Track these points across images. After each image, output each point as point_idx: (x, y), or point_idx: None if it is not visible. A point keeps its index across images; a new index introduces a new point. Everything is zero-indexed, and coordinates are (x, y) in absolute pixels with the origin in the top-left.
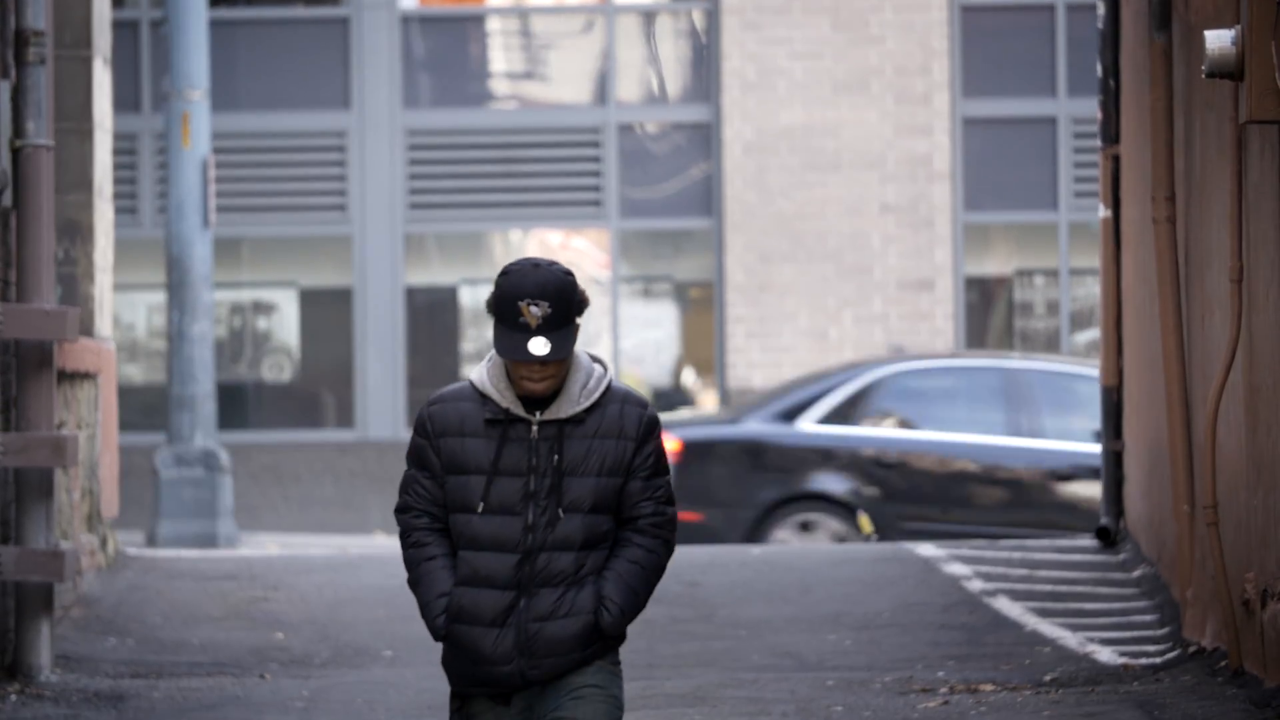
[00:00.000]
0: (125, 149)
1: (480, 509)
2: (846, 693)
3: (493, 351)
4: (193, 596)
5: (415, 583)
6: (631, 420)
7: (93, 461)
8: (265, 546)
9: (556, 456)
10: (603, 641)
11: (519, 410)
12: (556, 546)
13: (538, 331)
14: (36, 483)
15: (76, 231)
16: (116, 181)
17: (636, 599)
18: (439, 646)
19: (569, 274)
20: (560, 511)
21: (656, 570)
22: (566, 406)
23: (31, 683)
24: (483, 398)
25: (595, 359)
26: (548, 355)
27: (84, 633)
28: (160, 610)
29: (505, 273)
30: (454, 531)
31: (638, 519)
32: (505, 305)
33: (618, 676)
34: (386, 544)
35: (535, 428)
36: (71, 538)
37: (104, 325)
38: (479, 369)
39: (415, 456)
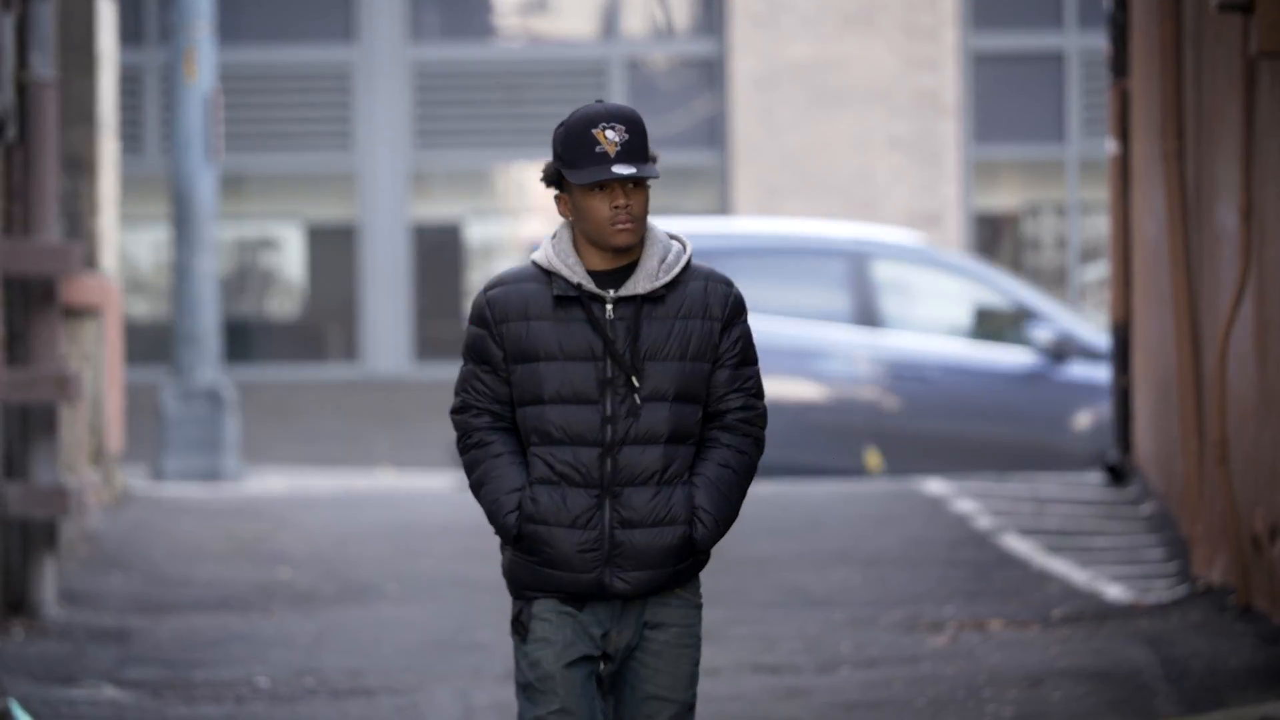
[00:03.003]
0: (130, 83)
1: (554, 397)
2: (854, 629)
3: (556, 228)
4: (198, 533)
5: (479, 484)
6: (717, 299)
7: (97, 397)
8: (269, 481)
9: (635, 338)
10: (694, 557)
11: (591, 286)
12: (640, 440)
13: (618, 159)
14: (41, 418)
15: (81, 166)
16: (121, 115)
17: (730, 508)
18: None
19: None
20: (636, 399)
21: (749, 472)
22: (644, 281)
23: (36, 619)
24: (548, 276)
25: (673, 236)
26: (636, 173)
27: (89, 569)
28: (165, 546)
29: (567, 119)
30: (524, 428)
31: (725, 413)
32: (576, 137)
33: (700, 612)
34: (391, 480)
35: (610, 306)
36: (76, 473)
37: (108, 260)
38: (541, 248)
39: (473, 349)
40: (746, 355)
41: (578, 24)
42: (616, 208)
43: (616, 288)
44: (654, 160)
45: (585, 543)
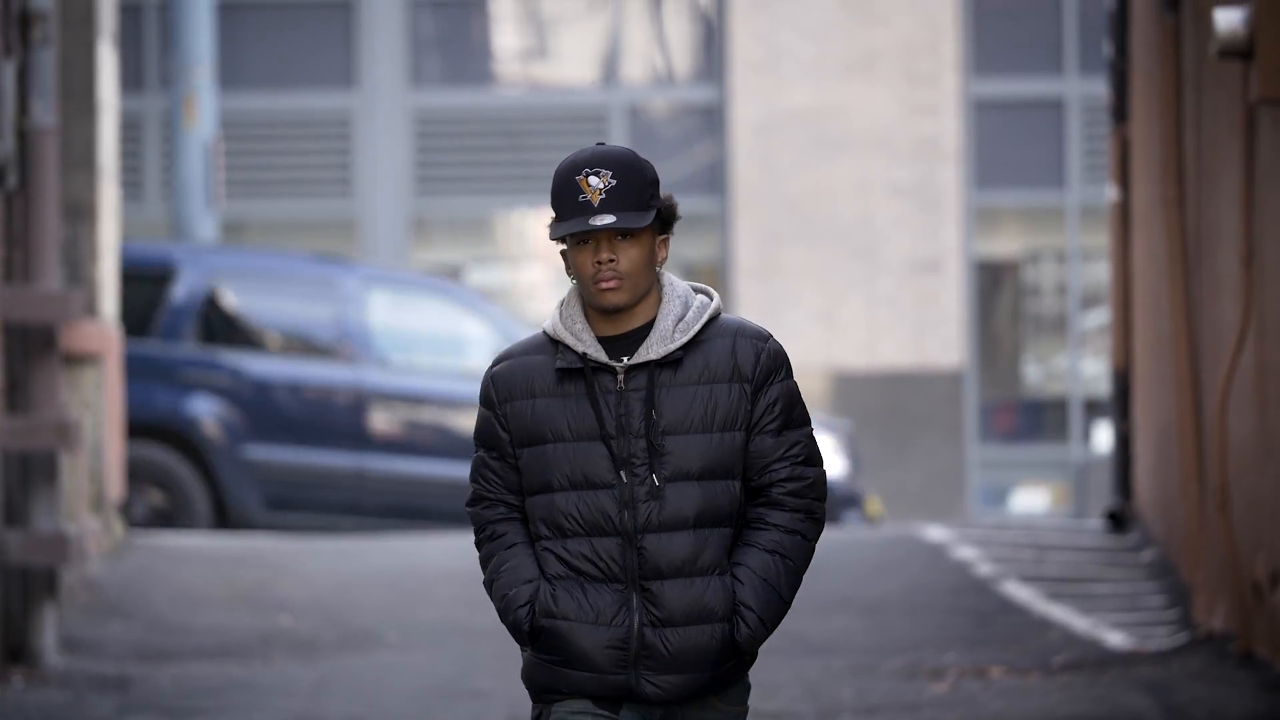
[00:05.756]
0: (131, 129)
1: (564, 484)
2: (855, 676)
3: (567, 292)
4: (198, 580)
5: (492, 579)
6: (747, 357)
7: (98, 444)
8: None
9: (650, 409)
10: (738, 659)
11: (600, 355)
12: (666, 526)
13: (601, 208)
14: (41, 466)
15: (81, 213)
16: (122, 162)
17: (780, 603)
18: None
19: (638, 156)
20: (656, 479)
21: (803, 556)
22: (657, 345)
23: (36, 667)
24: (555, 345)
25: (699, 289)
26: (613, 224)
27: (89, 617)
28: (166, 594)
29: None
30: (532, 519)
31: (770, 487)
32: (560, 185)
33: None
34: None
35: (621, 376)
36: (77, 521)
37: (109, 307)
38: (550, 315)
39: (481, 434)
40: (790, 418)
41: (578, 71)
42: (599, 263)
43: (630, 355)
44: (663, 207)
45: (611, 640)
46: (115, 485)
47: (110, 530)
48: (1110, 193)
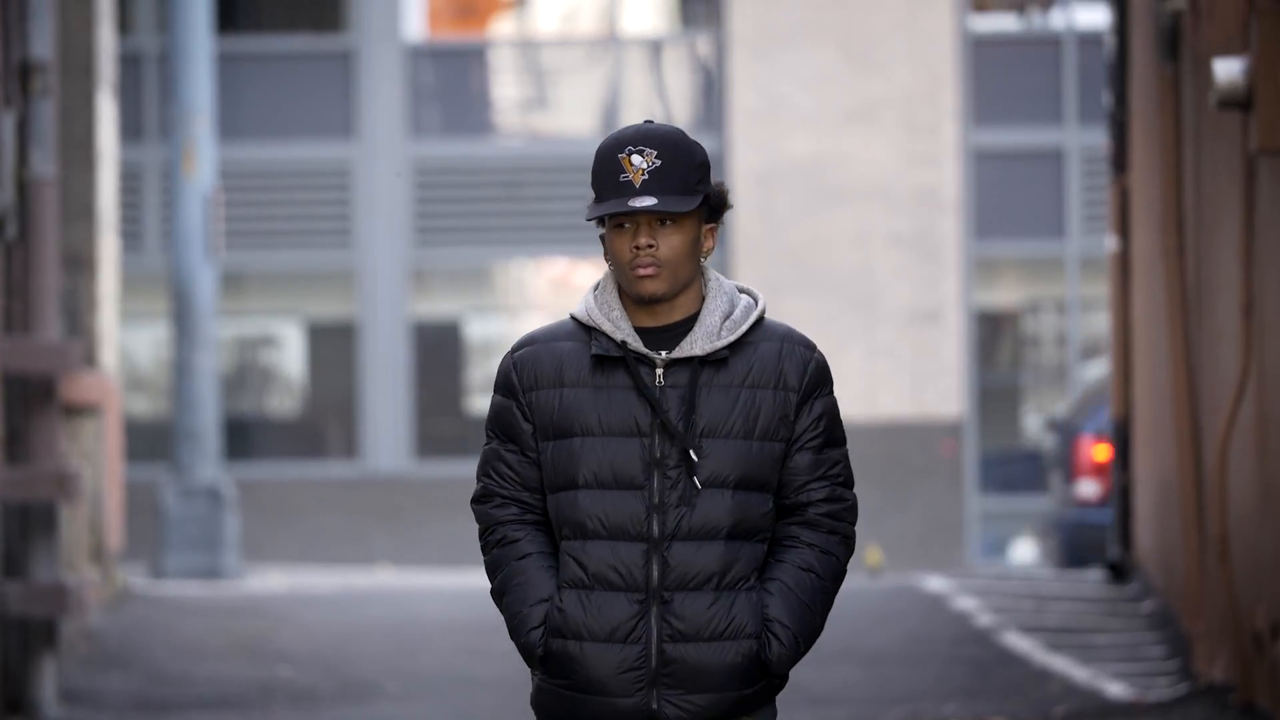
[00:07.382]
0: (131, 180)
1: (590, 481)
2: None
3: (600, 276)
4: (198, 631)
5: (501, 591)
6: (794, 365)
7: (97, 495)
8: (269, 579)
9: (690, 410)
10: (767, 680)
11: (639, 345)
12: (695, 535)
13: (643, 190)
14: (41, 517)
15: (80, 263)
16: (121, 213)
17: (813, 621)
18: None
19: (688, 136)
20: (694, 483)
21: (836, 578)
22: (703, 341)
23: (35, 718)
24: (589, 333)
25: (743, 289)
26: (653, 207)
27: (88, 667)
28: (165, 645)
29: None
30: (555, 518)
31: (806, 507)
32: (602, 162)
33: None
34: (390, 577)
35: (661, 370)
36: (76, 572)
37: (108, 358)
38: (581, 301)
39: (498, 423)
40: (831, 435)
41: (577, 121)
42: (637, 248)
43: (670, 349)
44: (712, 193)
45: (626, 660)
46: (114, 535)
47: (109, 581)
48: (1110, 243)
